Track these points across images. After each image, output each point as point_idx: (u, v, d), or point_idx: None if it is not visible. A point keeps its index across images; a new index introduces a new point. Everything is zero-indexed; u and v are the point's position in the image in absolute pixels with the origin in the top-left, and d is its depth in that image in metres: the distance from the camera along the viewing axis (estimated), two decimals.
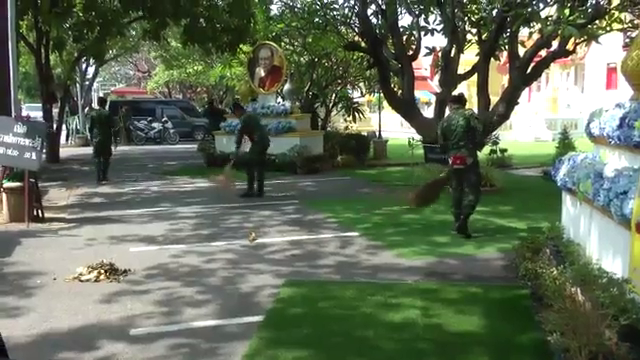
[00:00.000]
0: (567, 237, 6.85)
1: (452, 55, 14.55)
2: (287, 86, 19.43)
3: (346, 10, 17.97)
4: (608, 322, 4.27)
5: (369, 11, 15.39)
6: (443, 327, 5.64)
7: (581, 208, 6.36)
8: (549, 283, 5.58)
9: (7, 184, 10.58)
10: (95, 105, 44.68)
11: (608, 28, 12.80)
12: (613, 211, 4.82)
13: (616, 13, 12.54)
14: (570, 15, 10.17)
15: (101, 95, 33.37)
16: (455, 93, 14.82)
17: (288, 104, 18.76)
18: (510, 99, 13.88)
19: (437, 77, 17.41)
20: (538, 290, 5.83)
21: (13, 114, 10.79)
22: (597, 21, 12.26)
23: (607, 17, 12.40)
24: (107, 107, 19.33)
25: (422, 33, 14.78)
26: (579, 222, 6.47)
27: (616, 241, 5.12)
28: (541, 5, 11.77)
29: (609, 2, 12.62)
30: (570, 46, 13.82)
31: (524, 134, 29.70)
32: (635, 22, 13.96)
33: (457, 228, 9.30)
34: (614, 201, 4.79)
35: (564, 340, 4.34)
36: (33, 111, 27.06)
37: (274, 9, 21.07)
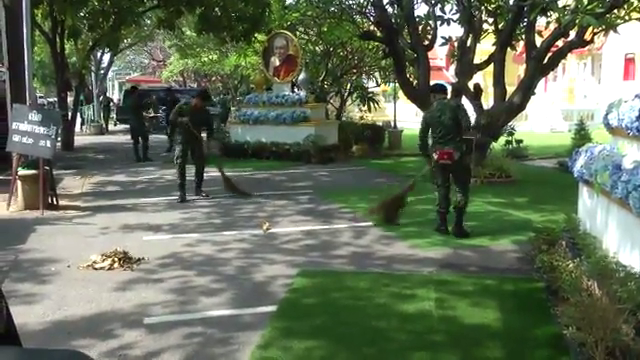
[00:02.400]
0: (583, 229, 6.78)
1: (468, 45, 14.43)
2: (302, 75, 19.38)
3: None
4: (625, 317, 4.22)
5: (385, 0, 15.27)
6: (457, 319, 5.60)
7: (598, 200, 6.29)
8: (565, 276, 5.53)
9: (22, 172, 10.62)
10: (109, 94, 45.10)
11: (627, 17, 12.64)
12: (631, 204, 4.75)
13: (635, 2, 12.36)
14: (588, 4, 10.04)
15: (131, 84, 33.64)
16: (471, 83, 14.79)
17: (303, 93, 18.72)
18: (526, 89, 13.75)
19: (453, 67, 17.28)
20: (553, 283, 5.77)
21: (28, 102, 10.80)
22: (615, 10, 12.09)
23: (626, 6, 12.23)
24: (136, 95, 19.58)
25: (438, 22, 14.67)
26: (596, 214, 6.40)
27: (634, 234, 5.05)
28: None
29: None
30: (588, 36, 13.65)
31: (540, 125, 29.47)
32: None
33: (455, 233, 8.66)
34: (633, 193, 4.72)
35: (580, 334, 4.30)
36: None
37: None
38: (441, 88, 9.24)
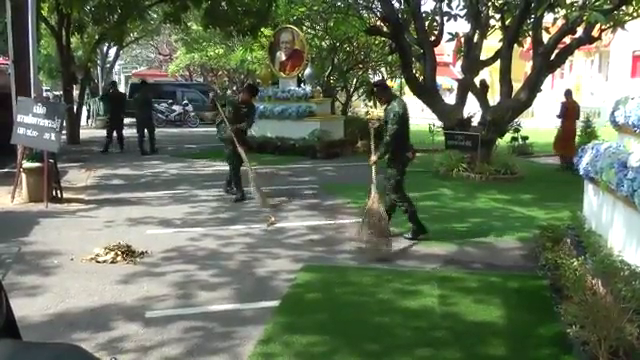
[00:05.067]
0: (589, 227, 6.75)
1: (475, 41, 14.39)
2: (308, 70, 19.35)
3: None
4: (629, 316, 4.19)
5: None
6: (461, 316, 5.58)
7: (604, 198, 6.26)
8: (569, 274, 5.50)
9: (26, 164, 10.62)
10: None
11: (635, 14, 12.57)
12: (637, 202, 4.72)
13: None
14: (596, 1, 9.98)
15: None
16: (477, 79, 14.73)
17: (309, 88, 18.69)
18: (533, 86, 13.71)
19: (459, 63, 17.23)
20: (558, 281, 5.74)
21: (33, 95, 10.79)
22: (624, 7, 12.03)
23: (634, 3, 12.16)
24: (145, 89, 19.65)
25: (445, 18, 14.63)
26: (601, 212, 6.37)
27: None
28: None
29: None
30: (595, 33, 13.58)
31: (546, 121, 29.36)
32: None
33: (413, 233, 8.25)
34: (638, 191, 4.70)
35: (584, 333, 4.28)
36: None
37: None
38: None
